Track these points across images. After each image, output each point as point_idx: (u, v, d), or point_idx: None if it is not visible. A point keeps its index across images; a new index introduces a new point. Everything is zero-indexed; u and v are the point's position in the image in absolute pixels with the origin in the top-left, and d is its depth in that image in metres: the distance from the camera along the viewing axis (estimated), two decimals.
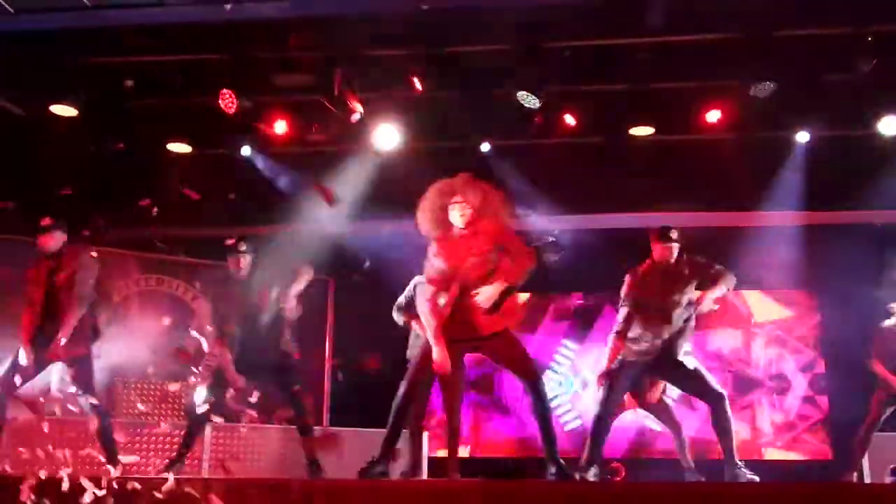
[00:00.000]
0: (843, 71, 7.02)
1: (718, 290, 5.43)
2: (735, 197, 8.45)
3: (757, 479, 5.21)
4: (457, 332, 4.70)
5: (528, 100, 7.26)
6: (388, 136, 7.89)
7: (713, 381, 5.50)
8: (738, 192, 8.36)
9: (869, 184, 7.81)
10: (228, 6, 6.35)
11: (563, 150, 8.32)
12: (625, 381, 5.56)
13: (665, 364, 5.49)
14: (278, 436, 7.39)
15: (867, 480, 7.11)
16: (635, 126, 7.80)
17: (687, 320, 5.49)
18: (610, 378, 5.53)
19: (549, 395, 6.73)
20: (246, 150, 8.37)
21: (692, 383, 5.53)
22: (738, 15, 6.80)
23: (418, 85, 7.34)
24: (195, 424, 6.08)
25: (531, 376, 4.85)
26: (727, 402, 5.42)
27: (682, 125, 7.84)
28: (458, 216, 4.79)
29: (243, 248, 6.06)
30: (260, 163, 8.44)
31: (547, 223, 8.78)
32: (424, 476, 6.80)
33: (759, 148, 8.03)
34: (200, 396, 6.20)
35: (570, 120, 7.76)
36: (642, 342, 5.47)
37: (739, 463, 5.34)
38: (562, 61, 7.20)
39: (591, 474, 5.36)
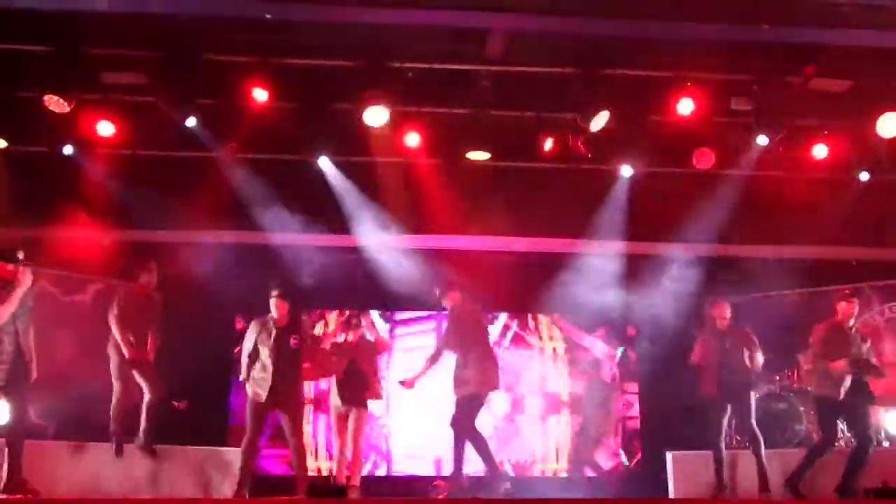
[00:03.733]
0: (665, 112, 7.49)
1: None
2: (562, 225, 8.79)
3: None
4: None
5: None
6: None
7: None
8: (565, 220, 8.71)
9: (685, 217, 8.34)
10: None
11: (400, 170, 8.38)
12: None
13: None
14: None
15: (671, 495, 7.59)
16: (472, 150, 7.96)
17: None
18: None
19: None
20: (68, 149, 7.87)
21: None
22: (572, 51, 7.14)
23: (259, 95, 7.18)
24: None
25: None
26: None
27: (518, 152, 8.08)
28: None
29: (21, 255, 5.86)
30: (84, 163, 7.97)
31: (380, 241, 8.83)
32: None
33: (587, 179, 8.39)
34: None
35: (410, 140, 7.83)
36: None
37: None
38: (405, 82, 7.26)
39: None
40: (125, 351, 6.80)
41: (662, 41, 6.84)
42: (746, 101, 7.57)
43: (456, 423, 6.98)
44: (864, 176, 8.33)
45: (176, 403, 7.38)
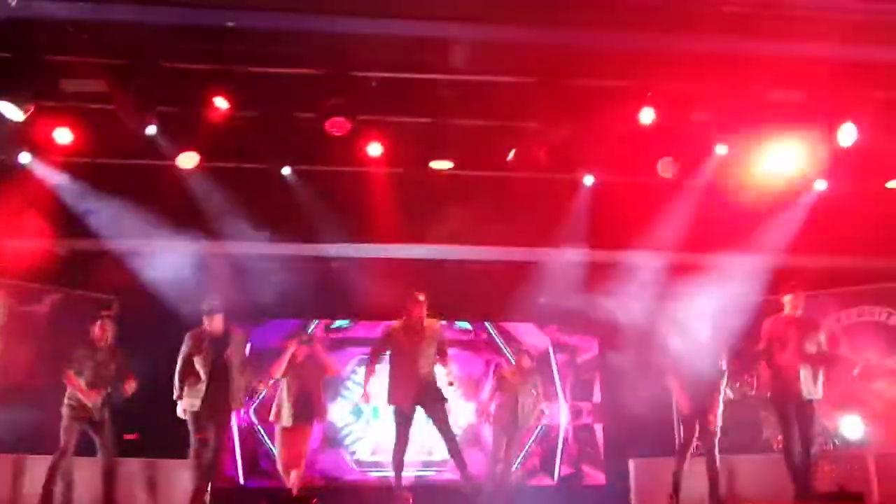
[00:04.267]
0: (628, 121, 7.54)
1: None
2: (525, 233, 8.81)
3: None
4: None
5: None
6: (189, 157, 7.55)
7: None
8: (528, 229, 8.74)
9: (648, 225, 8.41)
10: (13, 2, 5.90)
11: (362, 179, 8.35)
12: None
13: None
14: None
15: None
16: (435, 159, 7.94)
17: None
18: None
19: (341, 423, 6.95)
20: (25, 158, 7.72)
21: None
22: (535, 60, 7.17)
23: (220, 104, 7.11)
24: None
25: None
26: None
27: (481, 161, 8.09)
28: None
29: None
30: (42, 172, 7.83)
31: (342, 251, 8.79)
32: None
33: (551, 187, 8.42)
34: None
35: (373, 150, 7.80)
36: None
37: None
38: (368, 91, 7.24)
39: None
40: (85, 401, 6.78)
41: (624, 51, 6.89)
42: (706, 111, 7.67)
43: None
44: (821, 185, 8.47)
45: (127, 436, 7.27)
